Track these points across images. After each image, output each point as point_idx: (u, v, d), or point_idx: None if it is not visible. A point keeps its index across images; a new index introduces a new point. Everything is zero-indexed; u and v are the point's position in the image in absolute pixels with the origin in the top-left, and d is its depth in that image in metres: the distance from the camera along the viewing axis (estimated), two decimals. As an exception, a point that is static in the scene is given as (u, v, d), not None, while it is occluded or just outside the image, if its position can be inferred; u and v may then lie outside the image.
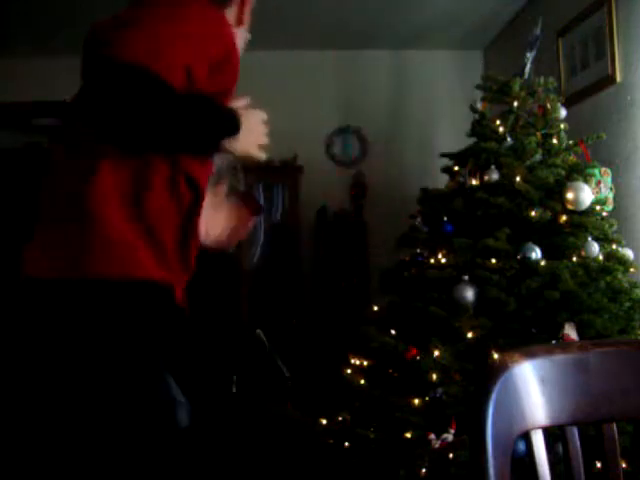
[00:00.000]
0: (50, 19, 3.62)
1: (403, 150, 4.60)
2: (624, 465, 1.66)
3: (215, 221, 1.49)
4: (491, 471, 0.69)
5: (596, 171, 2.41)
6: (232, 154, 1.33)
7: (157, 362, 1.23)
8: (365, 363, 2.52)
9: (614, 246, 2.34)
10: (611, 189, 2.45)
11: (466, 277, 2.26)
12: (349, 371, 2.56)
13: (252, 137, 1.32)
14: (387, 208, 4.29)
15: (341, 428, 2.44)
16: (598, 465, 1.20)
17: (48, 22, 3.67)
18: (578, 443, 0.78)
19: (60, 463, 1.19)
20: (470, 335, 2.19)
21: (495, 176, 2.42)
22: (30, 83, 4.05)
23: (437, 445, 2.02)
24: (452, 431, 2.04)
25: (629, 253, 2.35)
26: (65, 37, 3.89)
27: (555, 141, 2.49)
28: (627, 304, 2.23)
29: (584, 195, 2.29)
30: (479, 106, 2.66)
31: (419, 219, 2.68)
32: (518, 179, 2.35)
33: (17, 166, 3.97)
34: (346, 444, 2.36)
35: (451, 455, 2.00)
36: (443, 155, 2.77)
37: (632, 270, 2.30)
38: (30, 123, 3.89)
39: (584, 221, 2.29)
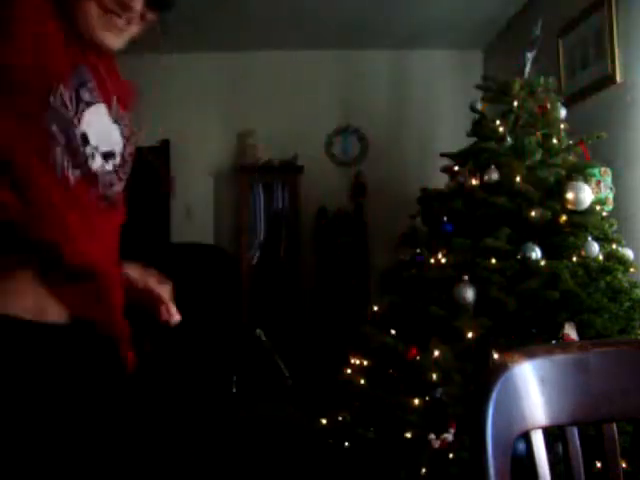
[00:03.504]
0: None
1: (403, 150, 4.60)
2: (624, 465, 1.65)
3: None
4: (491, 471, 0.69)
5: (596, 171, 2.41)
6: None
7: None
8: (365, 363, 2.52)
9: (614, 246, 2.34)
10: (611, 189, 2.45)
11: (466, 277, 2.26)
12: (349, 371, 2.56)
13: None
14: (387, 208, 4.29)
15: (341, 428, 2.44)
16: (598, 465, 1.20)
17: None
18: (578, 443, 0.78)
19: None
20: (470, 335, 2.19)
21: (495, 176, 2.42)
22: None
23: (437, 445, 2.02)
24: (452, 431, 2.04)
25: (629, 253, 2.35)
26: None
27: (555, 141, 2.49)
28: (627, 304, 2.23)
29: (584, 195, 2.29)
30: (479, 106, 2.66)
31: (419, 219, 2.68)
32: (518, 179, 2.35)
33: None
34: (346, 444, 2.36)
35: (451, 455, 2.00)
36: (443, 155, 2.77)
37: (632, 270, 2.30)
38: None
39: (584, 221, 2.29)
